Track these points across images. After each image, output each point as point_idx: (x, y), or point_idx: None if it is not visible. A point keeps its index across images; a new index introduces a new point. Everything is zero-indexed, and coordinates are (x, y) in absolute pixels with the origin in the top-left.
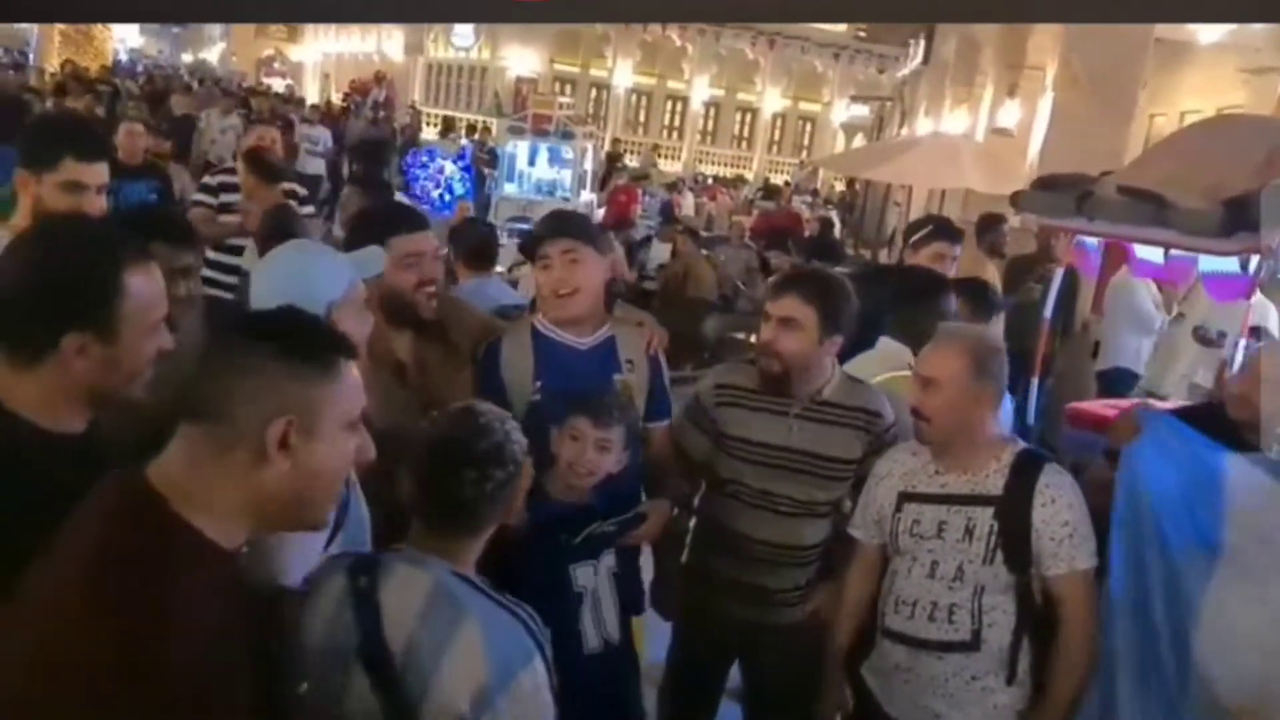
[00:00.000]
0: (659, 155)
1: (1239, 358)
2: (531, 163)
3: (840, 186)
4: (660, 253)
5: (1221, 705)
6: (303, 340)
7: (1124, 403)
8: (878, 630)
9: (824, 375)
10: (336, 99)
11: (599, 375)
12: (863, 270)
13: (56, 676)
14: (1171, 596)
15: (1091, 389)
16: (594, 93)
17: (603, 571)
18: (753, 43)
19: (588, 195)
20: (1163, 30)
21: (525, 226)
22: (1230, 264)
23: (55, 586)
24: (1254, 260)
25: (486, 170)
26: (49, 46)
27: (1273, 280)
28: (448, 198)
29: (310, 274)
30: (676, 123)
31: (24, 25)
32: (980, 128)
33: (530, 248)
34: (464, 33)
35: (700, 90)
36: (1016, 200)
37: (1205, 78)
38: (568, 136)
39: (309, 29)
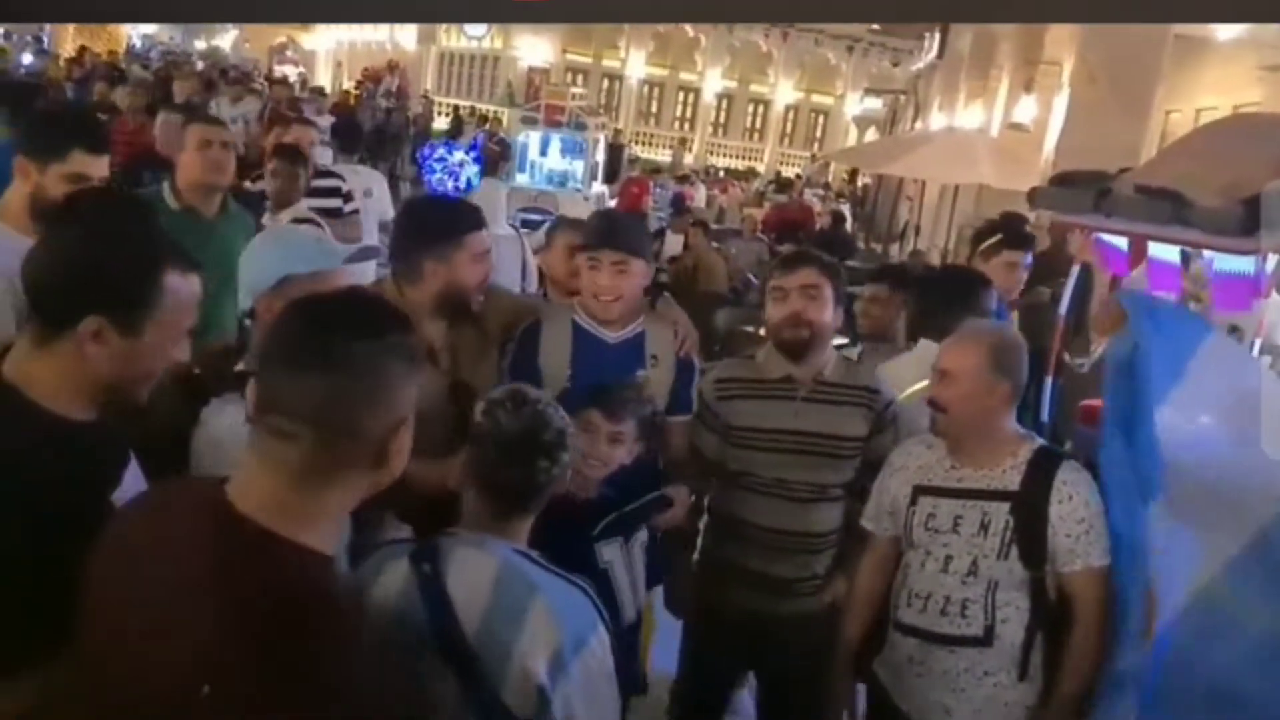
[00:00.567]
0: (670, 146)
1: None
2: (543, 153)
3: (861, 180)
4: (673, 244)
5: None
6: (406, 332)
7: None
8: (889, 623)
9: (825, 354)
10: (349, 87)
11: (624, 369)
12: (920, 272)
13: None
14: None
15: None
16: (606, 83)
17: (636, 549)
18: (766, 35)
19: (599, 186)
20: (1180, 26)
21: (536, 217)
22: (1242, 264)
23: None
24: (1273, 259)
25: (500, 162)
26: (63, 33)
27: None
28: (462, 189)
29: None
30: (689, 114)
31: None
32: (995, 123)
33: (582, 245)
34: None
35: (713, 82)
36: (1034, 196)
37: (1222, 75)
38: (580, 127)
39: None
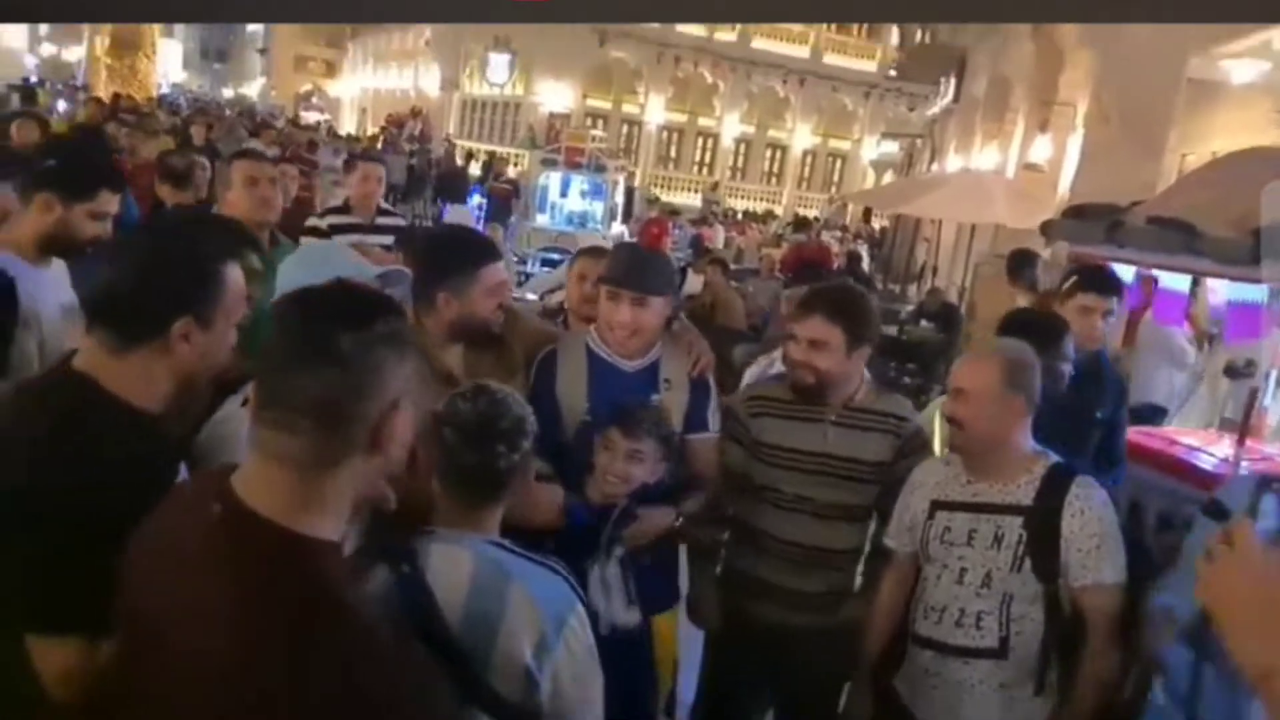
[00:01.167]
0: (686, 189)
1: (1271, 388)
2: (564, 194)
3: (878, 223)
4: (693, 283)
5: None
6: (395, 320)
7: (1155, 431)
8: (908, 637)
9: (854, 383)
10: (374, 131)
11: (640, 395)
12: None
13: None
14: None
15: None
16: (625, 128)
17: (612, 569)
18: (783, 81)
19: (618, 226)
20: (1195, 70)
21: (557, 257)
22: (1255, 293)
23: (229, 649)
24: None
25: (512, 200)
26: (96, 80)
27: None
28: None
29: None
30: (707, 158)
31: (72, 58)
32: (1011, 164)
33: (604, 277)
34: (498, 69)
35: (731, 127)
36: (1047, 229)
37: (1237, 118)
38: (600, 169)
39: (347, 66)
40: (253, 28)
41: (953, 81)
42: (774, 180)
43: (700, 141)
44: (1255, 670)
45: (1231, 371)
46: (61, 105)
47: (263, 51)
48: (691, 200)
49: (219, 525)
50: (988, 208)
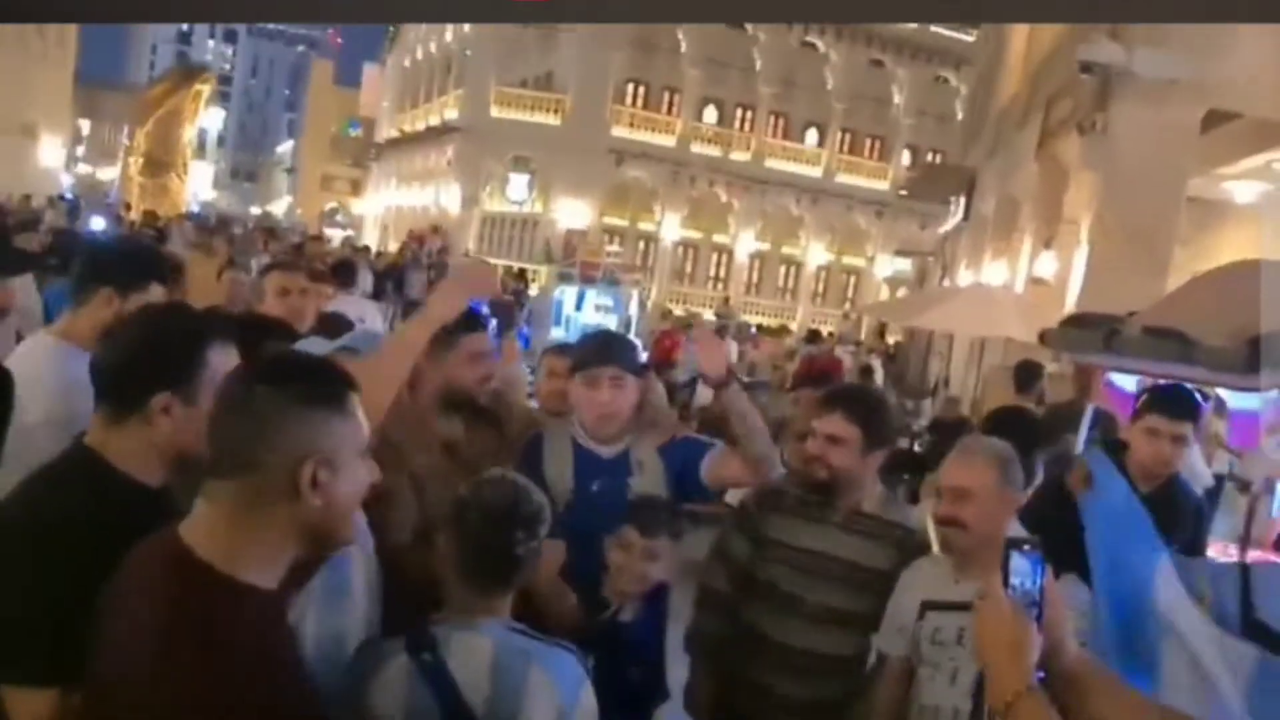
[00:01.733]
0: (701, 304)
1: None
2: (578, 308)
3: (892, 338)
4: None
5: None
6: (319, 382)
7: None
8: None
9: (865, 488)
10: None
11: (616, 480)
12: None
13: None
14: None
15: None
16: (642, 244)
17: None
18: (797, 200)
19: (632, 340)
20: (1199, 189)
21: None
22: (1254, 402)
23: (150, 678)
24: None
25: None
26: (129, 197)
27: None
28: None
29: None
30: (722, 273)
31: (107, 177)
32: (1019, 279)
33: (577, 366)
34: (518, 188)
35: (745, 243)
36: (1045, 337)
37: (1244, 235)
38: (614, 283)
39: (371, 185)
40: (281, 149)
41: (962, 200)
42: (789, 295)
43: (715, 257)
44: (998, 701)
45: (1240, 484)
46: (99, 223)
47: (290, 171)
48: (706, 314)
49: (159, 563)
50: (998, 321)
